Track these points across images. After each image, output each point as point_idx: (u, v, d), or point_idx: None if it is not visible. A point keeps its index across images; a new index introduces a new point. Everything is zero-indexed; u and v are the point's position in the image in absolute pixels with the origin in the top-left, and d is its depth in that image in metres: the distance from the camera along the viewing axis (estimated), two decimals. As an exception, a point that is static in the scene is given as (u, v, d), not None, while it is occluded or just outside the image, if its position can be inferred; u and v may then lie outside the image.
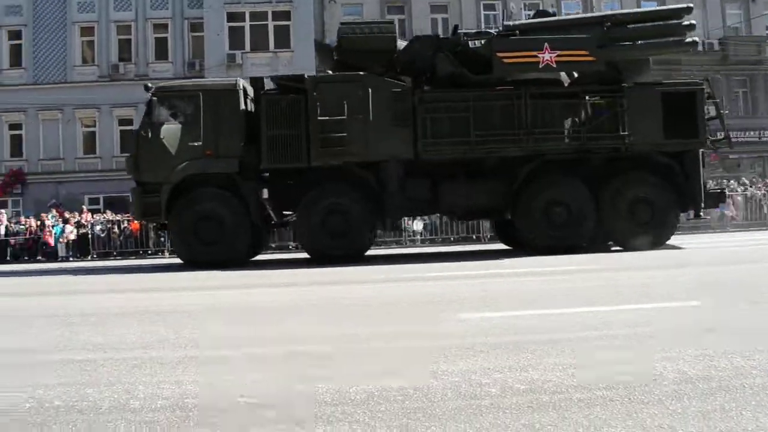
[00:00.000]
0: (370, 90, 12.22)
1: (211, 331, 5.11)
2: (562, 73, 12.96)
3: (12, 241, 20.54)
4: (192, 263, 12.23)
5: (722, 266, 9.71)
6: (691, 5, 13.45)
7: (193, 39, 27.37)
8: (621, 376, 3.25)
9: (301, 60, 25.59)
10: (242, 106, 12.58)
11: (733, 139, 14.56)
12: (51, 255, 19.91)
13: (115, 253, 19.87)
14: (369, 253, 12.98)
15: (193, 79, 23.10)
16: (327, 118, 11.98)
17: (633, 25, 13.23)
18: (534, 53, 12.07)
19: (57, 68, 27.00)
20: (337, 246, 12.14)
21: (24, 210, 24.57)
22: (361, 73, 12.36)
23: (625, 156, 12.71)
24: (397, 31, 13.23)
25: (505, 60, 12.13)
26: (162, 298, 7.82)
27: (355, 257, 12.03)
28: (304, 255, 13.28)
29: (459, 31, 13.51)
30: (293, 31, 26.13)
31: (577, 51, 12.24)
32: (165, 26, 27.63)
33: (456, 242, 19.86)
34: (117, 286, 10.13)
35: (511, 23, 13.95)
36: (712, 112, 13.39)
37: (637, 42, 12.99)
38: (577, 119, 12.62)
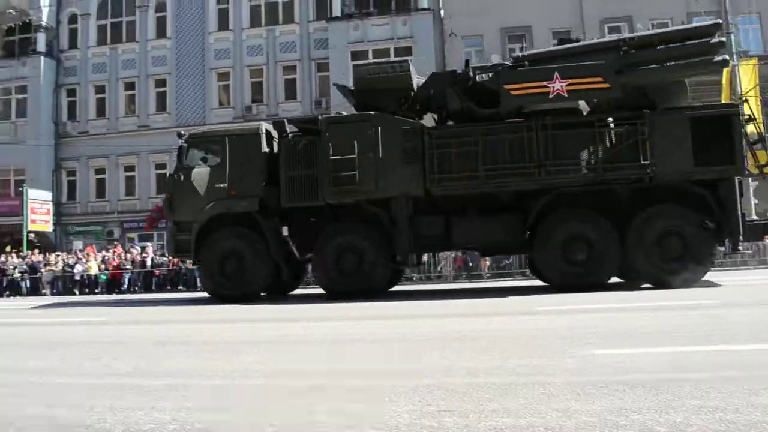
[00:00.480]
0: (380, 128, 12.50)
1: (347, 361, 5.21)
2: (581, 102, 12.36)
3: (156, 272, 22.22)
4: (217, 296, 13.14)
5: None
6: (720, 21, 12.68)
7: (320, 78, 28.58)
8: (775, 423, 2.97)
9: (422, 93, 26.00)
10: (264, 149, 13.32)
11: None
12: (191, 284, 21.26)
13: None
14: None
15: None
16: (338, 157, 12.42)
17: (655, 48, 12.20)
18: (543, 83, 11.72)
19: (197, 111, 29.14)
20: (350, 283, 12.43)
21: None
22: (372, 112, 12.69)
23: (652, 186, 11.86)
24: (412, 68, 13.25)
25: (513, 92, 11.91)
26: (285, 328, 8.09)
27: (368, 294, 12.01)
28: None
29: (471, 65, 13.26)
30: (415, 66, 26.54)
31: (591, 78, 11.67)
32: (294, 68, 29.12)
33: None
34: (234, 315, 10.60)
35: (520, 54, 13.39)
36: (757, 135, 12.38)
37: (661, 65, 12.07)
38: (593, 149, 11.97)
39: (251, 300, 12.68)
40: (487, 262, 20.21)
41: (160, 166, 29.17)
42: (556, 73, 11.63)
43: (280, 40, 29.38)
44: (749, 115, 12.37)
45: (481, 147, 12.13)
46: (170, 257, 20.91)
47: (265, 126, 13.83)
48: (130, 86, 31.15)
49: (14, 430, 3.40)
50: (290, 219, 13.18)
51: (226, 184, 13.20)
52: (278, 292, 14.27)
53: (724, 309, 7.98)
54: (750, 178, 13.69)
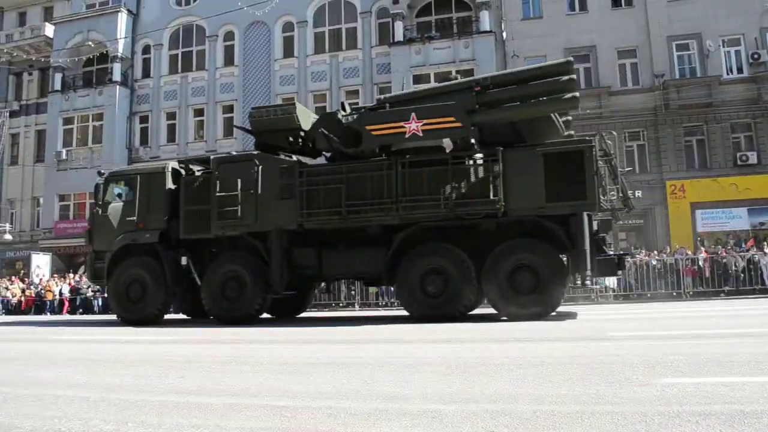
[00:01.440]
0: (260, 167, 13.62)
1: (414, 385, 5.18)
2: (446, 140, 12.71)
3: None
4: (123, 320, 14.68)
5: None
6: (571, 59, 12.92)
7: (382, 102, 28.86)
8: None
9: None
10: (168, 186, 14.71)
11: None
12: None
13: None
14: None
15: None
16: (224, 193, 13.66)
17: (509, 87, 12.50)
18: (400, 124, 12.26)
19: (263, 136, 29.82)
20: (232, 309, 13.72)
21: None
22: (255, 152, 14.10)
23: (510, 222, 12.26)
24: (301, 109, 14.29)
25: (373, 132, 12.57)
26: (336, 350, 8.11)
27: (247, 321, 13.48)
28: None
29: (345, 105, 14.23)
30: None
31: (444, 118, 12.09)
32: (356, 92, 29.53)
33: (652, 299, 18.51)
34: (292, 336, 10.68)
35: (382, 96, 14.56)
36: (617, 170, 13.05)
37: (516, 103, 12.37)
38: (446, 186, 12.36)
39: (151, 324, 14.08)
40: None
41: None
42: (413, 114, 12.21)
43: (343, 66, 29.90)
44: (604, 151, 12.81)
45: (345, 184, 12.91)
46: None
47: (172, 164, 15.22)
48: (199, 112, 32.29)
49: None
50: (194, 249, 14.54)
51: (135, 218, 14.70)
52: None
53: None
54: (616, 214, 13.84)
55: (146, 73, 33.64)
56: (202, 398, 4.79)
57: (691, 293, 18.75)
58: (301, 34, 30.78)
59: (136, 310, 14.44)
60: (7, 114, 35.42)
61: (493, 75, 13.50)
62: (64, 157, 32.46)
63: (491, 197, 12.09)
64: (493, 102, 12.40)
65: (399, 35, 28.48)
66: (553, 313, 12.36)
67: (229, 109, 31.49)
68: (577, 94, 12.13)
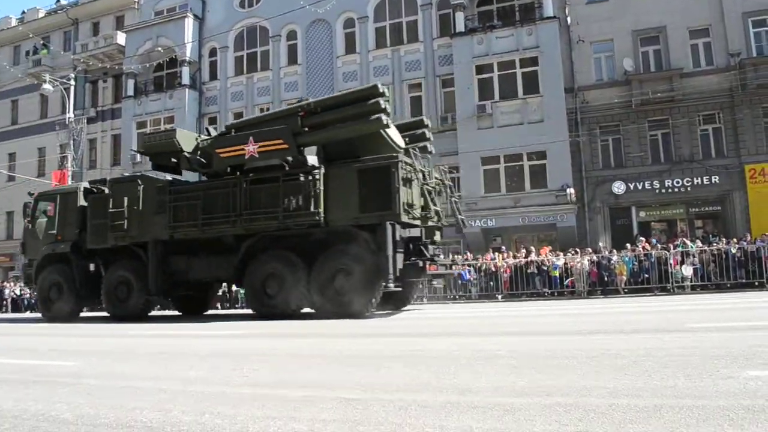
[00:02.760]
0: (142, 186, 15.88)
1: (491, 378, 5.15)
2: (310, 156, 14.16)
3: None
4: (44, 317, 17.12)
5: None
6: (377, 84, 14.12)
7: (445, 94, 28.70)
8: None
9: (550, 103, 25.41)
10: (80, 203, 17.07)
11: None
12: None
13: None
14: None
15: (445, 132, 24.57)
16: (115, 209, 15.91)
17: (328, 111, 14.05)
18: (241, 147, 14.14)
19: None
20: (122, 308, 16.01)
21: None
22: (139, 173, 17.11)
23: (331, 231, 13.81)
24: (181, 134, 15.94)
25: (222, 155, 14.64)
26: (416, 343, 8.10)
27: (133, 319, 15.50)
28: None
29: (211, 131, 16.64)
30: (541, 76, 26.07)
31: (274, 141, 13.82)
32: (419, 85, 29.45)
33: (732, 289, 17.74)
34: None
35: (229, 123, 17.10)
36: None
37: (335, 125, 13.89)
38: (277, 200, 14.06)
39: (68, 321, 16.39)
40: (624, 276, 19.27)
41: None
42: (251, 138, 14.07)
43: (405, 59, 29.86)
44: (439, 179, 15.26)
45: (201, 200, 14.94)
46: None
47: (84, 185, 17.76)
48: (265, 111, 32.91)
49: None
50: (103, 258, 16.62)
51: (55, 231, 17.20)
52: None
53: None
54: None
55: (213, 76, 34.54)
56: (277, 390, 4.89)
57: (774, 282, 17.86)
58: (362, 30, 30.90)
59: (55, 309, 16.89)
60: (85, 121, 37.03)
61: (317, 100, 15.06)
62: (138, 159, 33.76)
63: (312, 209, 13.70)
64: (316, 124, 14.11)
65: (460, 26, 28.18)
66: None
67: (292, 107, 32.01)
68: (381, 115, 13.50)
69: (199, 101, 34.40)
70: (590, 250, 21.11)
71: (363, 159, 13.81)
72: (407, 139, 15.87)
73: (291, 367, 6.38)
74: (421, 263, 13.84)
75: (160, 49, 33.94)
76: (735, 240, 19.86)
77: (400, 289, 13.91)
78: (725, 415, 3.49)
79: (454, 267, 17.70)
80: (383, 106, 13.59)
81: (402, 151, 14.60)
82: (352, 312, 13.01)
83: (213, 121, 34.16)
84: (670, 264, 18.85)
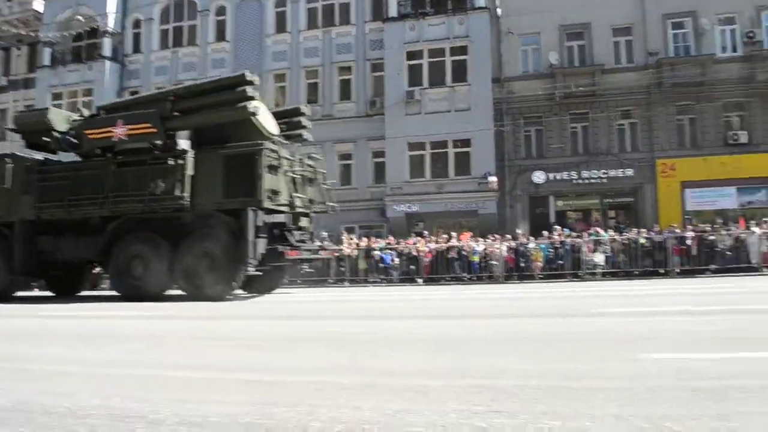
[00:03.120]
0: (11, 165, 15.30)
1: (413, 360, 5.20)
2: (182, 139, 14.05)
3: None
4: None
5: None
6: (244, 73, 14.45)
7: (375, 78, 28.66)
8: None
9: (478, 93, 25.81)
10: None
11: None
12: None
13: (298, 282, 21.03)
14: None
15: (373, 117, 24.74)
16: None
17: (196, 98, 14.42)
18: (109, 129, 14.10)
19: (254, 112, 29.55)
20: None
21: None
22: (9, 152, 15.93)
23: (197, 215, 13.82)
24: (54, 113, 15.70)
25: (90, 136, 14.49)
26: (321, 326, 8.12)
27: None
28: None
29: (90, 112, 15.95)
30: (470, 66, 26.40)
31: (143, 125, 13.86)
32: (349, 69, 29.28)
33: (639, 276, 18.63)
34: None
35: (99, 105, 16.53)
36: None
37: (203, 111, 14.13)
38: (145, 183, 13.84)
39: None
40: (540, 263, 19.92)
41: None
42: (120, 121, 14.05)
43: (336, 42, 29.58)
44: (289, 158, 14.72)
45: (70, 181, 14.56)
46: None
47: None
48: (190, 88, 31.95)
49: (74, 419, 3.51)
50: None
51: None
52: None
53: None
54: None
55: (137, 49, 33.12)
56: (188, 373, 4.80)
57: (678, 271, 18.87)
58: (293, 9, 30.35)
59: None
60: (-4, 89, 34.95)
61: (186, 86, 15.23)
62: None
63: (178, 193, 13.56)
64: (185, 110, 14.21)
65: (393, 11, 28.13)
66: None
67: (220, 84, 31.18)
68: (247, 104, 13.78)
69: (120, 74, 32.95)
70: (509, 236, 21.66)
71: (230, 145, 13.87)
72: (284, 126, 15.92)
73: (196, 350, 6.28)
74: (280, 248, 14.03)
75: (80, 17, 32.28)
76: (644, 230, 20.82)
77: (260, 273, 14.01)
78: (630, 395, 3.66)
79: (322, 252, 17.79)
80: (250, 95, 13.84)
81: (274, 138, 14.78)
82: (212, 295, 13.11)
83: (134, 95, 32.88)
84: (584, 252, 19.61)
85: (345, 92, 28.95)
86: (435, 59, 26.82)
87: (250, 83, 14.06)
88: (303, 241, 15.34)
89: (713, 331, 6.32)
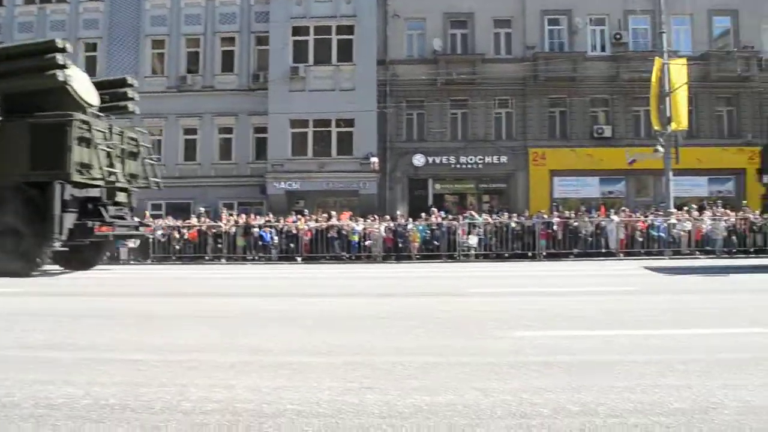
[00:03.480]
0: None
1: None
2: None
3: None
4: None
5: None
6: (55, 39, 13.92)
7: (259, 52, 27.98)
8: (678, 403, 3.12)
9: (363, 73, 25.87)
10: None
11: None
12: (113, 257, 20.62)
13: (173, 258, 20.41)
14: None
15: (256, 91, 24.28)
16: None
17: (5, 62, 13.36)
18: None
19: (129, 79, 27.99)
20: None
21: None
22: None
23: (1, 186, 12.82)
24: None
25: None
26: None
27: None
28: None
29: None
30: (356, 46, 26.39)
31: None
32: (232, 40, 28.37)
33: (510, 258, 19.61)
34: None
35: None
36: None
37: (9, 77, 13.14)
38: None
39: None
40: (417, 243, 20.48)
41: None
42: None
43: (219, 11, 28.51)
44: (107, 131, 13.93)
45: None
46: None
47: None
48: (57, 48, 29.67)
49: None
50: None
51: None
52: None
53: (652, 296, 8.35)
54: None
55: (-3, 0, 30.39)
56: (51, 353, 4.53)
57: (544, 254, 20.02)
58: (175, -27, 28.96)
59: None
60: None
61: None
62: None
63: None
64: None
65: (279, -17, 27.57)
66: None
67: (92, 47, 29.18)
68: (58, 72, 12.95)
69: (-24, 27, 30.10)
70: (388, 217, 22.04)
71: (38, 115, 12.93)
72: (107, 97, 15.14)
73: (68, 328, 5.94)
74: (90, 224, 13.38)
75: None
76: (515, 215, 21.88)
77: (66, 249, 13.48)
78: (493, 370, 3.88)
79: (143, 228, 17.09)
80: (61, 62, 13.06)
81: (90, 109, 14.04)
82: (15, 270, 12.33)
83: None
84: (458, 234, 20.32)
85: (227, 64, 28.05)
86: (321, 36, 26.56)
87: (62, 50, 13.25)
88: (121, 217, 14.67)
89: (571, 309, 6.79)
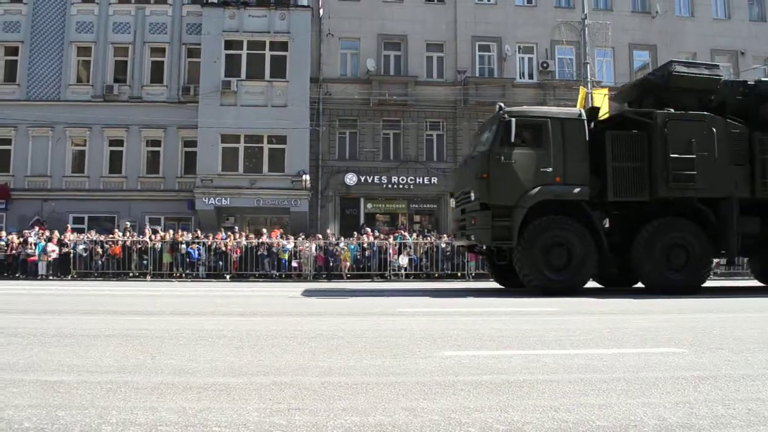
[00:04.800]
0: (714, 130, 12.77)
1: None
2: None
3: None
4: (544, 290, 12.26)
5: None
6: None
7: (190, 64, 27.51)
8: (600, 421, 3.22)
9: (296, 90, 25.82)
10: (587, 136, 12.95)
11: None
12: (31, 273, 19.67)
13: (96, 274, 19.68)
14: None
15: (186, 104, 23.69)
16: (678, 155, 12.60)
17: None
18: None
19: (51, 86, 26.98)
20: (677, 278, 12.52)
21: (7, 226, 24.26)
22: (705, 113, 13.00)
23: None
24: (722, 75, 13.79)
25: None
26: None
27: (695, 289, 12.55)
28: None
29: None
30: (290, 62, 26.32)
31: None
32: (162, 50, 27.79)
33: (439, 278, 19.88)
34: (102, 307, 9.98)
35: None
36: None
37: None
38: None
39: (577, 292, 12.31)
40: (348, 263, 20.46)
41: (4, 141, 26.71)
42: None
43: (150, 20, 27.91)
44: None
45: None
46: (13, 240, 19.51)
47: (583, 111, 13.74)
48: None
49: None
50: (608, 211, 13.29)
51: (551, 170, 12.60)
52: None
53: (575, 316, 8.59)
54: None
55: None
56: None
57: (473, 274, 20.36)
58: (103, -20, 28.16)
59: (563, 279, 12.52)
60: None
61: None
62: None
63: None
64: None
65: (213, -4, 27.26)
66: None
67: (12, 50, 27.95)
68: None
69: None
70: (319, 236, 21.96)
71: None
72: None
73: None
74: None
75: None
76: (445, 236, 22.20)
77: None
78: (422, 390, 3.90)
79: None
80: None
81: None
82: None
83: None
84: (389, 253, 20.44)
85: (157, 75, 27.46)
86: (254, 51, 26.38)
87: None
88: None
89: (497, 329, 6.92)
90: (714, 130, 12.77)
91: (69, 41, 27.41)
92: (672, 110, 12.98)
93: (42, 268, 19.57)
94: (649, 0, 29.40)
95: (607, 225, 13.16)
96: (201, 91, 26.18)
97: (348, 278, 20.12)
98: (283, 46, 26.54)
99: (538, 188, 12.47)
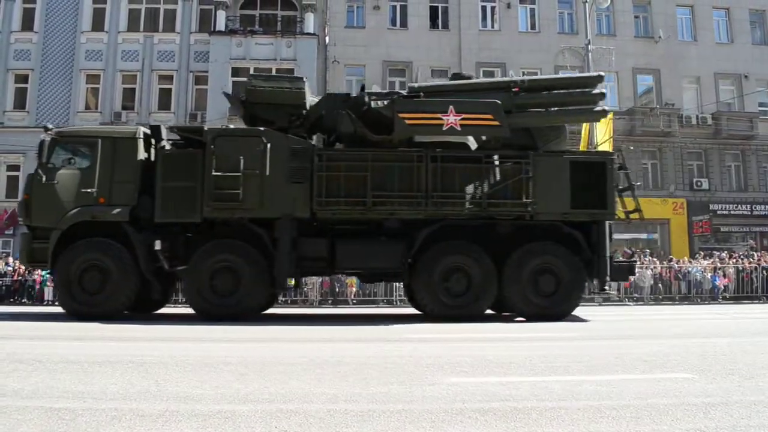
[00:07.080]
0: (269, 145, 11.90)
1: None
2: (470, 137, 12.71)
3: (-2, 283, 20.35)
4: (74, 314, 11.77)
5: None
6: (603, 74, 13.68)
7: (197, 91, 27.80)
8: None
9: (302, 116, 25.97)
10: (140, 156, 12.27)
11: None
12: (37, 299, 19.68)
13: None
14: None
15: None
16: (221, 174, 11.70)
17: (542, 93, 12.99)
18: (438, 115, 11.82)
19: (60, 113, 27.26)
20: (224, 305, 11.73)
21: (15, 252, 24.30)
22: (261, 128, 12.17)
23: (531, 224, 12.29)
24: (306, 86, 12.86)
25: (407, 121, 11.88)
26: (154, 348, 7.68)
27: (246, 317, 11.68)
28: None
29: (366, 90, 13.36)
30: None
31: (483, 115, 11.96)
32: (170, 78, 28.12)
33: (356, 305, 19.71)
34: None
35: (416, 85, 13.46)
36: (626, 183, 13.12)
37: (547, 109, 12.81)
38: (479, 184, 12.13)
39: (112, 318, 11.53)
40: (354, 288, 20.36)
41: (13, 167, 26.96)
42: (451, 107, 11.78)
43: (158, 48, 28.30)
44: (620, 164, 13.17)
45: (370, 173, 11.88)
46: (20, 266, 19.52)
47: (143, 130, 12.68)
48: (-16, 79, 28.67)
49: None
50: (159, 232, 12.02)
51: (94, 190, 11.99)
52: (144, 310, 13.33)
53: (587, 341, 8.52)
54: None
55: None
56: None
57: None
58: (114, 8, 28.56)
59: (97, 303, 11.81)
60: None
61: (531, 78, 13.87)
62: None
63: (523, 199, 12.01)
64: (524, 105, 12.49)
65: (221, 24, 27.60)
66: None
67: (22, 78, 28.33)
68: (607, 107, 12.94)
69: None
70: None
71: (573, 151, 12.90)
72: None
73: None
74: (628, 262, 13.56)
75: None
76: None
77: None
78: (429, 418, 3.85)
79: None
80: (600, 93, 12.79)
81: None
82: (559, 314, 12.12)
83: None
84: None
85: (164, 102, 27.76)
86: (273, 74, 26.62)
87: (601, 81, 12.98)
88: None
89: (503, 356, 6.86)
90: (268, 146, 11.89)
91: (78, 69, 27.79)
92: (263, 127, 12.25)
93: (48, 294, 19.53)
94: (652, 25, 29.63)
95: (158, 247, 11.72)
96: (208, 118, 26.36)
97: (354, 303, 20.03)
98: (290, 72, 26.77)
99: (77, 209, 11.87)
